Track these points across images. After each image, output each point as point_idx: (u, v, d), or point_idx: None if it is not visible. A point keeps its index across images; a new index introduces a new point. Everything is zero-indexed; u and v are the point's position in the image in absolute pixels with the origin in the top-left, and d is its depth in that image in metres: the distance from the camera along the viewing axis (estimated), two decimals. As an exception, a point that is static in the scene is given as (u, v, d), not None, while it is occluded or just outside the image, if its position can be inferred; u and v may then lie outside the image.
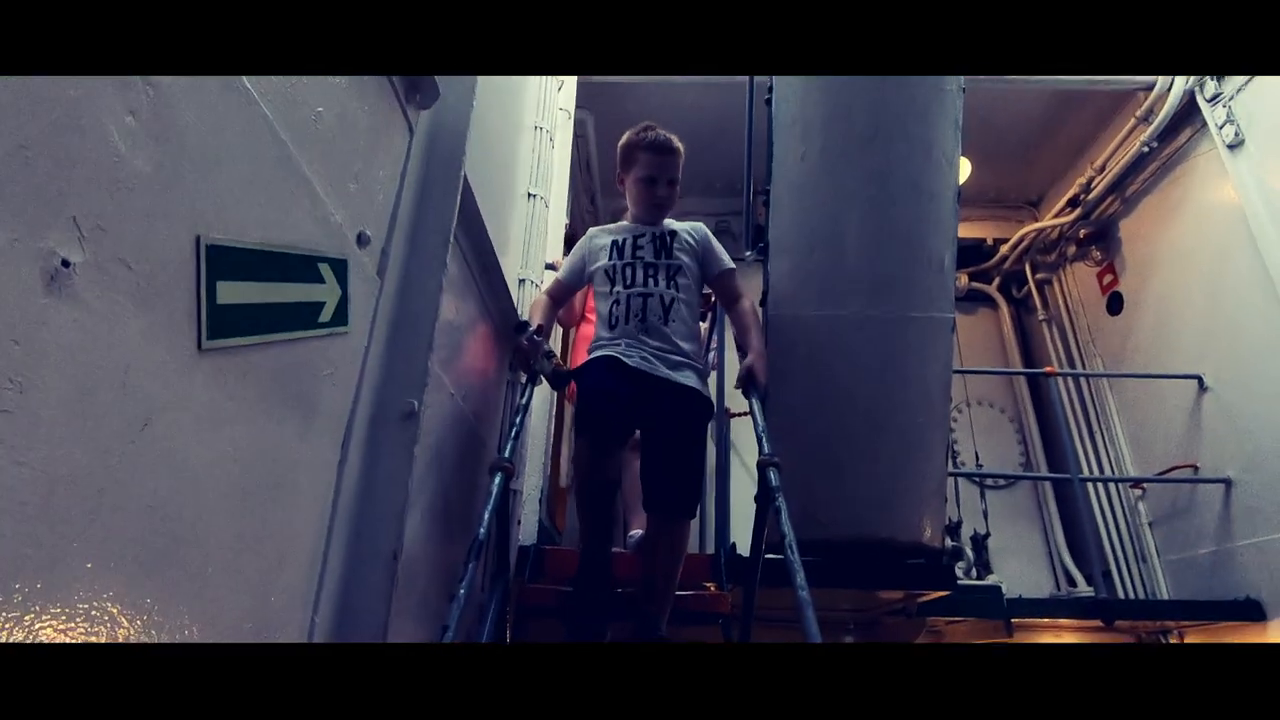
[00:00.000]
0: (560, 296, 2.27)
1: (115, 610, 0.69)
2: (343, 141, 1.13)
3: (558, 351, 2.30)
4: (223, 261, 0.83)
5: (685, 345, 2.03)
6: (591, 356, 2.06)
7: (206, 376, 0.82)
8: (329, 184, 1.09)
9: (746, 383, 2.00)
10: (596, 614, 1.92)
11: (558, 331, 3.32)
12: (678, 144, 2.17)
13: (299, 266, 1.01)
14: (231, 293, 0.85)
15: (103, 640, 0.67)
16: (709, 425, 2.09)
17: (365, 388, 1.24)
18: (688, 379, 1.99)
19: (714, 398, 2.99)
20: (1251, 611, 3.19)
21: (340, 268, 1.14)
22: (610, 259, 2.13)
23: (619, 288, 2.07)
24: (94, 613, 0.66)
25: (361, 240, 1.22)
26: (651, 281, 2.06)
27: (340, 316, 1.13)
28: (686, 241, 2.17)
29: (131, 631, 0.71)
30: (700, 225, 2.25)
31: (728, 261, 2.23)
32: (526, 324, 2.07)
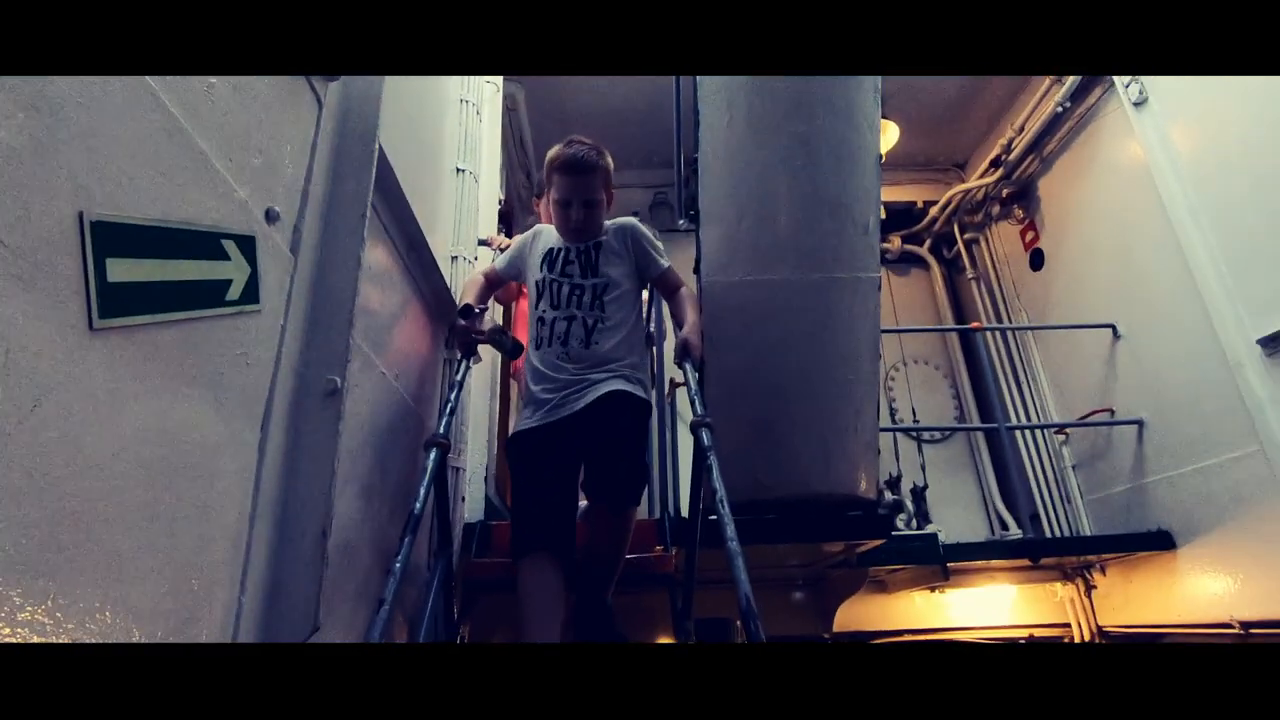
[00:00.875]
0: (494, 282, 2.23)
1: (16, 596, 0.68)
2: (240, 113, 1.10)
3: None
4: (111, 238, 0.81)
5: (613, 355, 1.99)
6: (512, 433, 2.00)
7: (102, 356, 0.80)
8: (228, 159, 1.06)
9: (682, 354, 2.02)
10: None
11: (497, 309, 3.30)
12: (598, 160, 2.05)
13: (199, 243, 0.99)
14: (123, 270, 0.83)
15: (3, 628, 0.66)
16: (647, 418, 2.08)
17: (284, 366, 1.22)
18: (613, 384, 1.93)
19: (654, 374, 3.03)
20: (1163, 541, 3.43)
21: (247, 245, 1.11)
22: (542, 270, 2.08)
23: (545, 306, 2.04)
24: (-9, 597, 0.65)
25: (270, 216, 1.19)
26: (575, 303, 2.02)
27: (250, 294, 1.11)
28: (615, 250, 2.11)
29: (37, 616, 0.70)
30: (630, 224, 2.19)
31: (662, 261, 2.19)
32: (470, 307, 2.01)
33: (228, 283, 1.06)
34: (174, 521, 0.93)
